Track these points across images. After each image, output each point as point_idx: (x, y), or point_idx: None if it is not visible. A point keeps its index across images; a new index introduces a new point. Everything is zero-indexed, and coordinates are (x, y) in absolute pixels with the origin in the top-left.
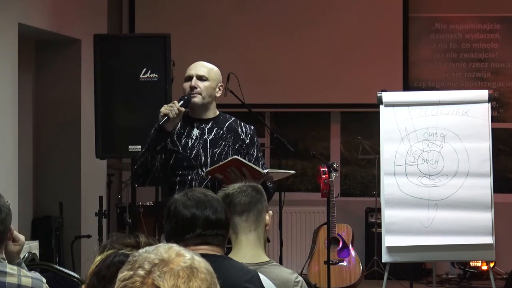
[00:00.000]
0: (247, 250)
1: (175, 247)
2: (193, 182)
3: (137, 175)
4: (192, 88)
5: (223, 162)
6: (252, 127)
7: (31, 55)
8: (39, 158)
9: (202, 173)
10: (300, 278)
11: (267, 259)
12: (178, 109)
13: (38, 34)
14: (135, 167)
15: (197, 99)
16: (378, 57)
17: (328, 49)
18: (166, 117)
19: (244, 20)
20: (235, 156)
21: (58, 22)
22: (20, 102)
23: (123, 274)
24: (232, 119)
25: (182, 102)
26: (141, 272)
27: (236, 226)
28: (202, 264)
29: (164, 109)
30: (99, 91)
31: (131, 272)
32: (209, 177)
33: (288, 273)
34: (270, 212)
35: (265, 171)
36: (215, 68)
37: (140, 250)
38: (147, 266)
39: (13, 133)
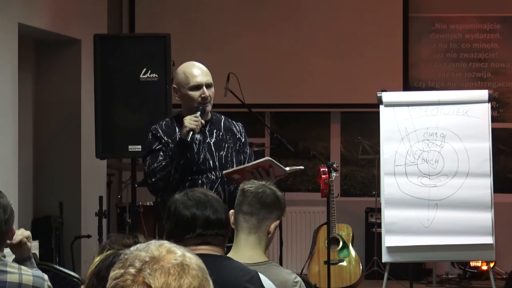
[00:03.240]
0: (246, 250)
1: (166, 244)
2: (204, 186)
3: (157, 188)
4: (205, 98)
5: (255, 162)
6: (241, 123)
7: (31, 55)
8: (39, 158)
9: (212, 176)
10: (299, 279)
11: (265, 259)
12: (202, 123)
13: (38, 34)
14: (154, 180)
15: (209, 107)
16: (378, 57)
17: (328, 49)
18: (192, 132)
19: (244, 20)
20: (268, 158)
21: (58, 22)
22: (20, 102)
23: (114, 272)
24: (223, 117)
25: (199, 113)
26: (131, 270)
27: (238, 223)
28: (193, 261)
29: (189, 123)
30: (99, 91)
31: (122, 271)
32: (219, 180)
33: (286, 274)
34: (277, 222)
35: (287, 168)
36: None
37: (132, 248)
38: (137, 264)
39: (13, 133)
